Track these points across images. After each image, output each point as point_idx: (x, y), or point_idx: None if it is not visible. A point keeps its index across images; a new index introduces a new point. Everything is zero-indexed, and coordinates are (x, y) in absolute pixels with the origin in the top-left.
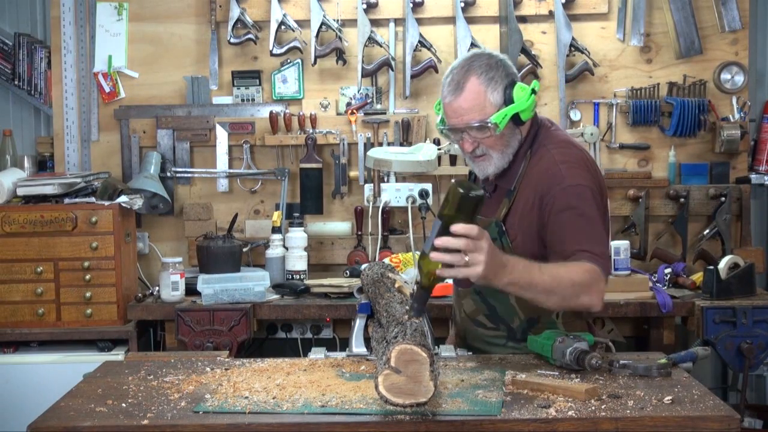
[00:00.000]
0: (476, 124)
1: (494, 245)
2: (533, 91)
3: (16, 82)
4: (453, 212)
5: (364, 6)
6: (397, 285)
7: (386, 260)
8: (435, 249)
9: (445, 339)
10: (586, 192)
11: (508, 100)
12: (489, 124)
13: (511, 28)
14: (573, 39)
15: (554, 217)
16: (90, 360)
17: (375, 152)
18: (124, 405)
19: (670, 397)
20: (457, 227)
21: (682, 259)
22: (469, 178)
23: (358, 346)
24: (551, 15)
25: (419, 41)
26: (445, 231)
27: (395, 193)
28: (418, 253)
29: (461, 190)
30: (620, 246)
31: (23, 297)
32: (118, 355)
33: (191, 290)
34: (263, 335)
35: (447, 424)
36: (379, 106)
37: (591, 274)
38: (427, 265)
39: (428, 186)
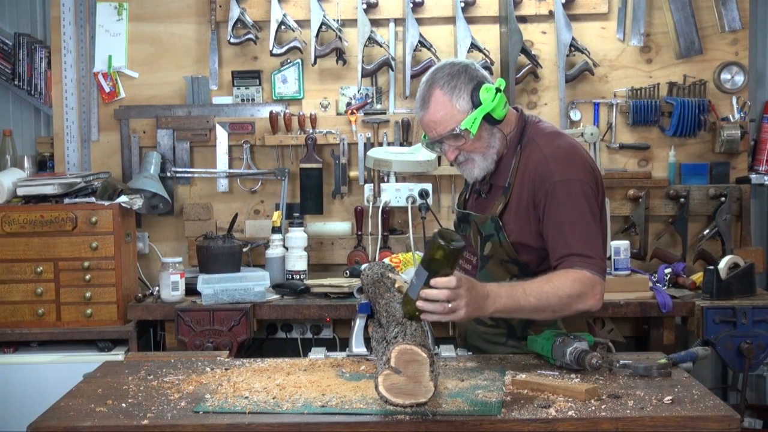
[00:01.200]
0: (448, 134)
1: (474, 282)
2: (497, 90)
3: (16, 82)
4: (436, 262)
5: (364, 6)
6: (397, 285)
7: (386, 260)
8: (419, 297)
9: (446, 339)
10: (575, 186)
11: (476, 104)
12: (460, 131)
13: (511, 28)
14: (573, 39)
15: (547, 216)
16: (90, 360)
17: (375, 152)
18: (124, 405)
19: (670, 397)
20: (437, 281)
21: (682, 259)
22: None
23: (358, 346)
24: (551, 15)
25: (419, 41)
26: (428, 279)
27: (395, 193)
28: (419, 253)
29: (442, 242)
30: (620, 246)
31: (23, 297)
32: (118, 355)
33: (191, 290)
34: (263, 335)
35: (447, 424)
36: (379, 106)
37: (583, 282)
38: (412, 308)
39: (428, 186)
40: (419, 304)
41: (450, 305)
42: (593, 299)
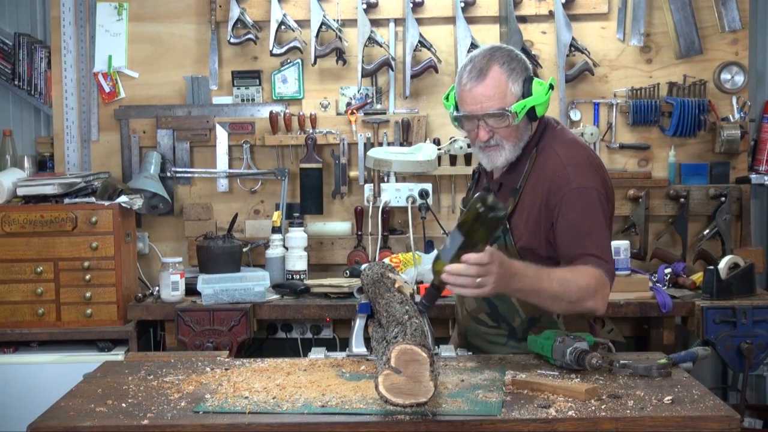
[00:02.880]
0: (496, 112)
1: (504, 258)
2: (551, 87)
3: (16, 82)
4: (473, 229)
5: (364, 6)
6: (397, 285)
7: (386, 260)
8: (453, 261)
9: (446, 339)
10: (592, 194)
11: (526, 93)
12: (509, 113)
13: (511, 28)
14: (573, 39)
15: (562, 219)
16: (90, 360)
17: (375, 152)
18: (124, 405)
19: (670, 397)
20: (468, 258)
21: (682, 259)
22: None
23: (358, 346)
24: (551, 15)
25: (419, 41)
26: (462, 245)
27: (395, 193)
28: (419, 253)
29: (481, 209)
30: (620, 246)
31: (23, 297)
32: (118, 355)
33: (191, 290)
34: (263, 335)
35: (447, 424)
36: (379, 106)
37: (597, 279)
38: (440, 270)
39: (428, 186)
40: (445, 277)
41: (478, 280)
42: (601, 301)
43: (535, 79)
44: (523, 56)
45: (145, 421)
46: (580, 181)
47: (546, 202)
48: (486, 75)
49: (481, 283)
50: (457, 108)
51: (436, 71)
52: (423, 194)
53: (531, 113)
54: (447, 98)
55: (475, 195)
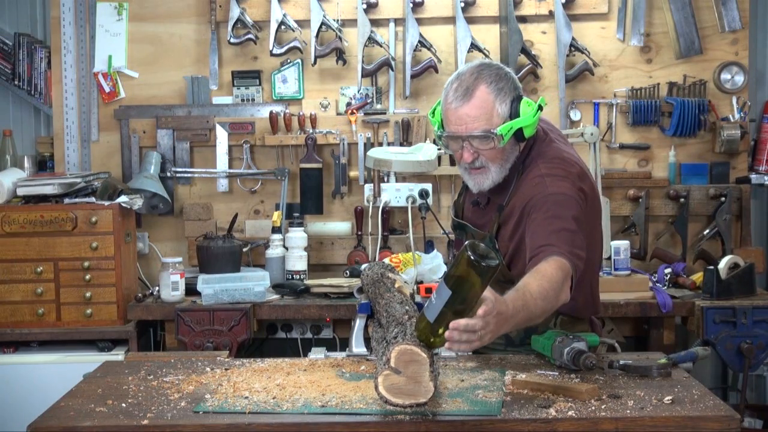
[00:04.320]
0: (481, 134)
1: (500, 306)
2: (540, 108)
3: (16, 82)
4: (464, 283)
5: (364, 6)
6: (397, 285)
7: (386, 260)
8: (441, 319)
9: None
10: (565, 200)
11: (514, 114)
12: (494, 135)
13: (511, 28)
14: (573, 39)
15: (531, 222)
16: (90, 360)
17: (375, 152)
18: (124, 405)
19: (670, 397)
20: (468, 325)
21: (682, 259)
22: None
23: (358, 346)
24: (551, 15)
25: (419, 41)
26: (450, 300)
27: (395, 193)
28: (419, 253)
29: (472, 257)
30: (620, 246)
31: (23, 297)
32: (118, 355)
33: (191, 290)
34: (263, 335)
35: (447, 424)
36: (379, 106)
37: (563, 270)
38: (426, 332)
39: (428, 186)
40: (449, 335)
41: (477, 335)
42: (568, 291)
43: (524, 99)
44: (513, 75)
45: (145, 421)
46: (554, 188)
47: (522, 212)
48: (472, 95)
49: (479, 337)
50: (442, 126)
51: (436, 71)
52: (423, 194)
53: (518, 134)
54: (433, 113)
55: (465, 243)
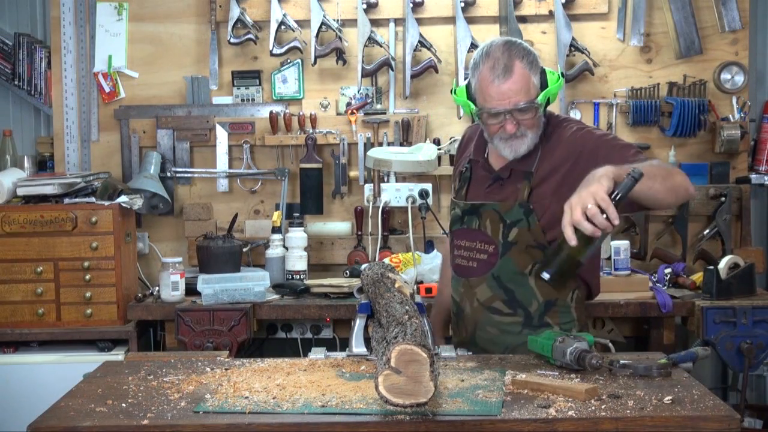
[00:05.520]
0: (525, 105)
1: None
2: (561, 74)
3: (16, 82)
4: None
5: (364, 6)
6: (397, 285)
7: (386, 260)
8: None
9: (445, 339)
10: (616, 139)
11: (544, 84)
12: (536, 105)
13: (511, 28)
14: (573, 39)
15: (597, 162)
16: (90, 360)
17: (375, 152)
18: (124, 405)
19: (670, 397)
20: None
21: (682, 259)
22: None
23: (358, 346)
24: (551, 15)
25: (419, 41)
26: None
27: (395, 193)
28: (419, 253)
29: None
30: (620, 246)
31: (23, 297)
32: (118, 355)
33: (191, 290)
34: (263, 335)
35: (447, 424)
36: (379, 106)
37: (672, 167)
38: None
39: (428, 186)
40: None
41: (589, 206)
42: (688, 180)
43: (547, 69)
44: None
45: (145, 421)
46: (602, 133)
47: (575, 165)
48: (512, 71)
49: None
50: (475, 104)
51: (436, 71)
52: (423, 194)
53: (547, 101)
54: (455, 93)
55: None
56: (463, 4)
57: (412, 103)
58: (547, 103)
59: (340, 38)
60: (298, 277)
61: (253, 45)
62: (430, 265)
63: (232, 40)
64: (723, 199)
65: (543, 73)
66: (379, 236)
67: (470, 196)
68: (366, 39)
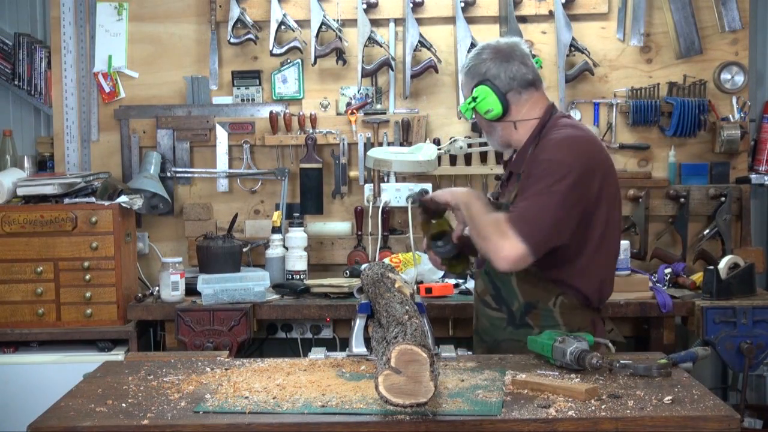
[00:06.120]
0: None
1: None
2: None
3: (16, 82)
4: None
5: (364, 6)
6: (397, 285)
7: (386, 260)
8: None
9: (446, 339)
10: (556, 167)
11: (499, 93)
12: (461, 114)
13: (511, 28)
14: (573, 39)
15: (521, 186)
16: (90, 360)
17: (375, 152)
18: (124, 405)
19: (670, 397)
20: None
21: (682, 259)
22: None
23: (358, 346)
24: (551, 15)
25: (419, 41)
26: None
27: (395, 193)
28: (419, 253)
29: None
30: (620, 246)
31: (23, 297)
32: (118, 355)
33: (191, 290)
34: (263, 335)
35: (447, 424)
36: (379, 106)
37: (493, 227)
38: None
39: (428, 186)
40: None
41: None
42: (494, 248)
43: (495, 81)
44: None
45: (145, 421)
46: (551, 154)
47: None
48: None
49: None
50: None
51: (436, 71)
52: (423, 194)
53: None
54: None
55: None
56: (463, 4)
57: (412, 103)
58: (505, 112)
59: (340, 38)
60: (298, 277)
61: (253, 45)
62: (430, 265)
63: (232, 40)
64: (723, 199)
65: (490, 81)
66: (379, 236)
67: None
68: (366, 39)
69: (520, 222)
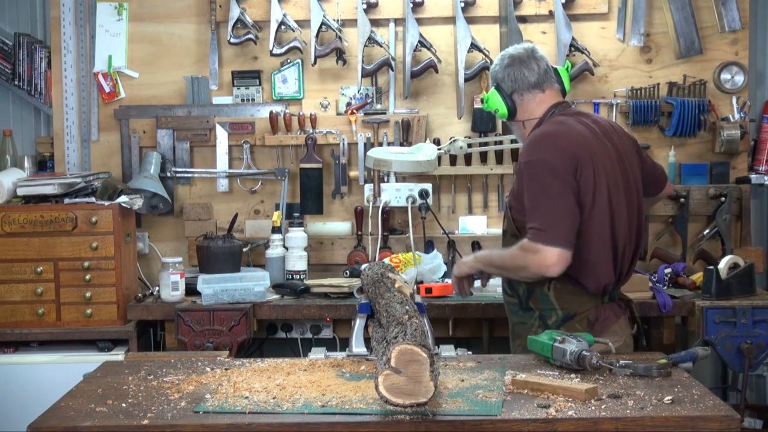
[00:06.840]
0: None
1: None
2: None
3: (16, 82)
4: None
5: (364, 6)
6: (397, 285)
7: (386, 260)
8: None
9: (446, 339)
10: (536, 166)
11: (508, 99)
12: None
13: (511, 28)
14: (573, 39)
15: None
16: (90, 360)
17: (375, 152)
18: (124, 405)
19: (670, 397)
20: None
21: (682, 259)
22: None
23: (358, 346)
24: (551, 15)
25: (419, 41)
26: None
27: (395, 193)
28: (419, 253)
29: None
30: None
31: (23, 297)
32: (118, 355)
33: (191, 290)
34: (263, 335)
35: (447, 424)
36: (379, 106)
37: (523, 250)
38: None
39: (428, 186)
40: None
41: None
42: (536, 265)
43: (499, 87)
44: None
45: (145, 421)
46: (529, 155)
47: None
48: None
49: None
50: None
51: (436, 71)
52: (423, 194)
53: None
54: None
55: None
56: (463, 4)
57: (412, 103)
58: (512, 112)
59: (340, 38)
60: (298, 277)
61: (253, 45)
62: (430, 265)
63: (232, 40)
64: (723, 199)
65: (498, 84)
66: (379, 236)
67: None
68: (366, 39)
69: (538, 235)
